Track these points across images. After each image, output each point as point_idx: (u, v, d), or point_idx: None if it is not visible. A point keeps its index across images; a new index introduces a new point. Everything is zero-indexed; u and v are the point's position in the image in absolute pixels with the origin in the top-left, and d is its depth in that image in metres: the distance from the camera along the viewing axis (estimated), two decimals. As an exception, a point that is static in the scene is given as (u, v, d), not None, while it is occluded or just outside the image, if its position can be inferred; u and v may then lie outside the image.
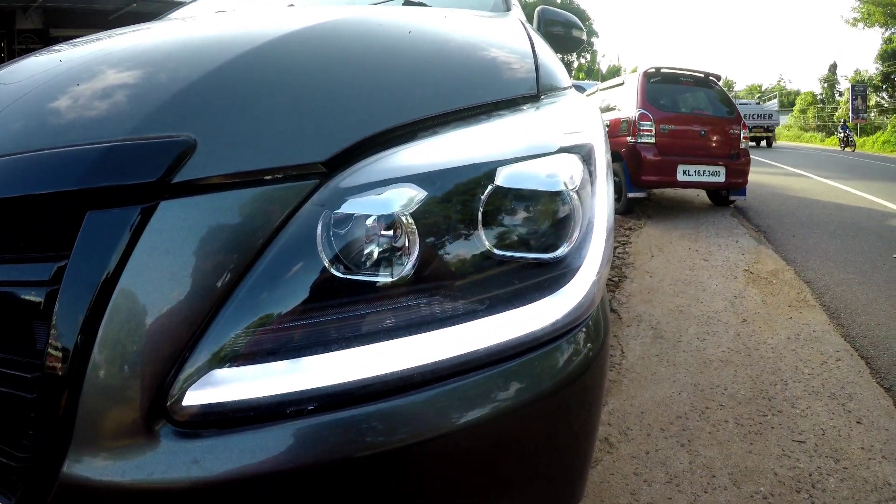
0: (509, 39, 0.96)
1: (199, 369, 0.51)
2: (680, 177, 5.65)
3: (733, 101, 6.35)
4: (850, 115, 28.39)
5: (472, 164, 0.60)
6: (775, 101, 38.08)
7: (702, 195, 6.89)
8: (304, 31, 0.81)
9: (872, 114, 29.91)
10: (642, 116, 5.66)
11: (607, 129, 6.11)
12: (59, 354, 0.50)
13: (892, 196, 7.17)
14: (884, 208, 6.26)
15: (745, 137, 5.95)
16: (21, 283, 0.54)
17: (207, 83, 0.64)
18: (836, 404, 2.00)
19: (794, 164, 11.97)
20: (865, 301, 3.09)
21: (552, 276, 0.61)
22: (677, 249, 4.31)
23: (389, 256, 0.55)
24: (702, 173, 5.71)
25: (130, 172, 0.53)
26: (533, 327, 0.58)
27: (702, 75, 6.33)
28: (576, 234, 0.63)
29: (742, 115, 6.18)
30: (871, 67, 33.06)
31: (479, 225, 0.58)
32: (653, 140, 5.62)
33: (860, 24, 29.84)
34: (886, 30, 29.49)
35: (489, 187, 0.59)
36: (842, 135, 24.60)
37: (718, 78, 6.42)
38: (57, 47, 0.97)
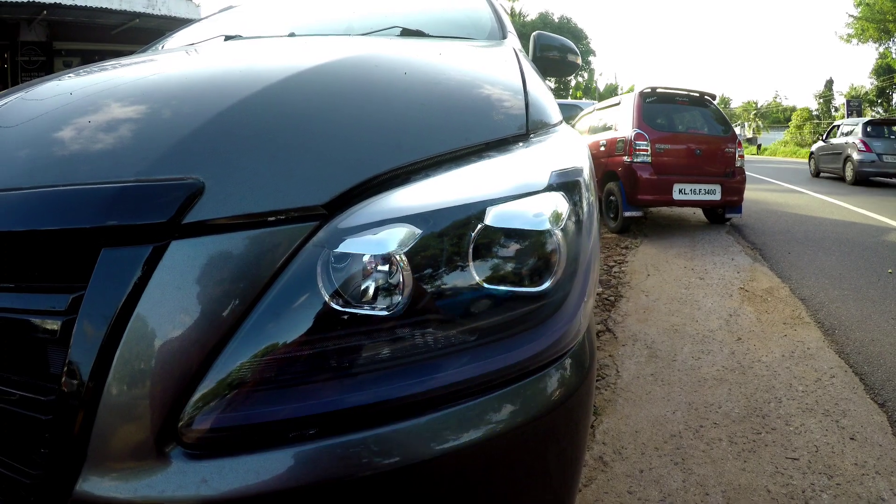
0: (502, 75, 1.01)
1: (208, 395, 0.55)
2: (676, 195, 5.71)
3: (728, 120, 6.43)
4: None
5: (462, 204, 0.64)
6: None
7: (698, 213, 6.93)
8: (305, 74, 0.86)
9: (868, 128, 29.96)
10: (638, 136, 5.73)
11: (604, 149, 6.17)
12: (76, 380, 0.54)
13: (887, 211, 7.20)
14: (879, 223, 6.29)
15: (740, 156, 6.02)
16: (37, 311, 0.58)
17: (214, 127, 0.68)
18: (830, 421, 2.02)
19: (789, 181, 12.03)
20: (860, 317, 3.12)
21: (539, 307, 0.65)
22: (673, 268, 4.34)
23: (386, 291, 0.59)
24: (698, 192, 5.77)
25: (144, 212, 0.57)
26: (520, 357, 0.62)
27: (697, 94, 6.42)
28: (561, 269, 0.66)
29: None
30: (867, 82, 33.39)
31: (470, 261, 0.61)
32: (649, 159, 5.69)
33: (854, 40, 30.11)
34: (880, 45, 29.76)
35: (479, 226, 0.62)
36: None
37: (714, 97, 6.50)
38: (67, 77, 0.99)
